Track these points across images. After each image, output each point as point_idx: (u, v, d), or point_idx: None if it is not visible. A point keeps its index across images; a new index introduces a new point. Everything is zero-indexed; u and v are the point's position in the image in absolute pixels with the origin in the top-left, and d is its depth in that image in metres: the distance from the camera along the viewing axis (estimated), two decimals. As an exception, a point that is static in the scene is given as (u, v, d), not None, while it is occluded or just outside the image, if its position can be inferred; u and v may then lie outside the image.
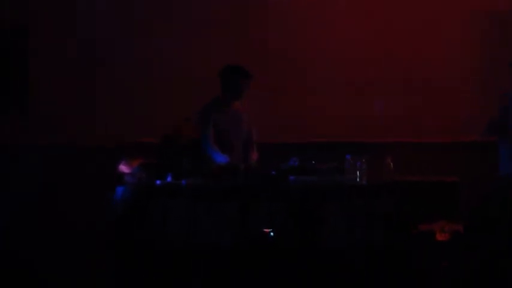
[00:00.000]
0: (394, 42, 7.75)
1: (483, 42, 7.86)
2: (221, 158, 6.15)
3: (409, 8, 7.82)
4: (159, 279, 5.42)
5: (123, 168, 5.92)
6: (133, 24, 7.53)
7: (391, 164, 5.79)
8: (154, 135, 6.43)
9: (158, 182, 5.63)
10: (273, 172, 5.74)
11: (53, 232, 7.09)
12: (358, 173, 5.68)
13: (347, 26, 7.72)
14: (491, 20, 7.85)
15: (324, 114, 7.59)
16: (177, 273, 5.44)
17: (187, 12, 7.59)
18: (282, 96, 7.52)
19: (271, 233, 5.49)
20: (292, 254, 5.48)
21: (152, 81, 7.51)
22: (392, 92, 7.71)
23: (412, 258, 5.55)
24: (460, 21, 7.83)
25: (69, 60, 7.44)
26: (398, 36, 7.77)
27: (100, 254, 5.92)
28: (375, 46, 7.74)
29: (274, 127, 7.11)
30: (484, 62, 7.84)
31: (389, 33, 7.76)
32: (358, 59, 7.68)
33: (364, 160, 5.68)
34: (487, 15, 7.83)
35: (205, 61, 7.37)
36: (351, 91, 7.69)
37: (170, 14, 7.58)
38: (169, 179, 5.67)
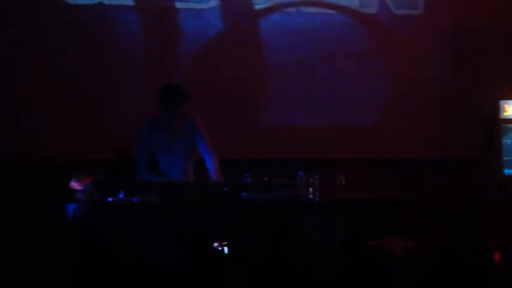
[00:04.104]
0: (357, 62, 7.80)
1: (451, 62, 7.96)
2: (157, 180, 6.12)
3: (375, 28, 7.91)
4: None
5: (75, 185, 5.88)
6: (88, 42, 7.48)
7: (343, 180, 5.85)
8: (106, 152, 6.40)
9: (110, 199, 5.59)
10: (225, 189, 5.74)
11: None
12: (310, 189, 5.73)
13: (308, 46, 7.76)
14: (461, 39, 7.95)
15: (276, 131, 7.63)
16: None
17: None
18: (234, 113, 7.53)
19: (225, 248, 5.50)
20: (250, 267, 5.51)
21: (103, 96, 7.43)
22: (353, 110, 7.77)
23: (364, 274, 5.61)
24: (429, 41, 7.91)
25: (21, 73, 7.33)
26: (363, 55, 7.83)
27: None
28: (336, 65, 7.79)
29: (227, 144, 7.10)
30: (449, 82, 7.93)
31: (354, 52, 7.82)
32: (317, 77, 7.73)
33: (316, 177, 5.73)
34: (456, 35, 7.94)
35: (156, 77, 7.36)
36: (308, 109, 7.74)
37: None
38: (121, 195, 5.64)
